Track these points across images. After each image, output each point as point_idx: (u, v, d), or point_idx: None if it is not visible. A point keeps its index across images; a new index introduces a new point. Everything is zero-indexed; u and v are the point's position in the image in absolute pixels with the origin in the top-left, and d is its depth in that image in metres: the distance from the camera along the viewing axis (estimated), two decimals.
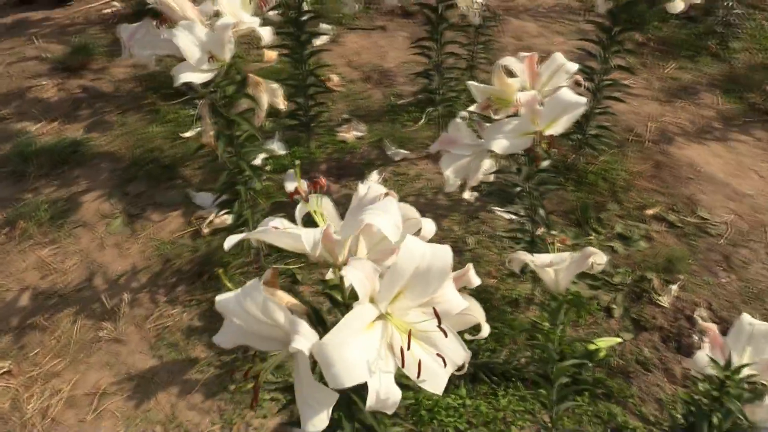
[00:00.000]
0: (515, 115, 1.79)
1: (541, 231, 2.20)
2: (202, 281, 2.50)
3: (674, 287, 2.55)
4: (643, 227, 2.79)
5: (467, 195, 2.14)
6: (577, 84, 1.98)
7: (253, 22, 1.82)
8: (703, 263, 2.66)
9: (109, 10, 4.23)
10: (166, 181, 2.94)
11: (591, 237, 2.75)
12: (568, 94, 1.76)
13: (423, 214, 2.80)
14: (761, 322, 1.62)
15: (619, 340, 2.33)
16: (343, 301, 1.07)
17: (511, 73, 1.99)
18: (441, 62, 2.75)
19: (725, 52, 3.95)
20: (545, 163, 2.00)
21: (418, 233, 1.19)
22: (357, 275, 0.93)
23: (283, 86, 2.08)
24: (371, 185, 1.16)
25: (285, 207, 2.65)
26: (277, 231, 1.07)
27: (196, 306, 2.41)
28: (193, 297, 2.45)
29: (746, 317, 1.66)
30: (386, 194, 1.13)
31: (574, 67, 1.92)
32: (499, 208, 2.82)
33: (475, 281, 1.19)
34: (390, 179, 2.99)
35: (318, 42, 3.11)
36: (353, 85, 3.60)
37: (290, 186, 3.09)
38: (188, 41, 1.73)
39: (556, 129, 1.81)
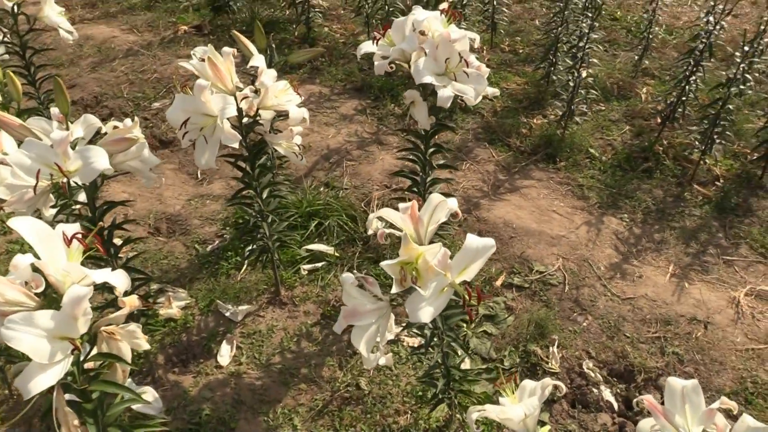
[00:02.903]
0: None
1: (464, 364, 2.12)
2: None
3: (554, 349, 2.67)
4: (500, 300, 2.88)
5: (384, 360, 1.95)
6: (454, 216, 1.94)
7: (102, 274, 1.41)
8: (562, 314, 2.83)
9: None
10: None
11: (463, 328, 2.75)
12: (475, 240, 1.69)
13: (298, 371, 2.53)
14: (687, 381, 1.73)
15: (548, 427, 2.35)
16: None
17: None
18: (264, 209, 2.50)
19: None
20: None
21: None
22: None
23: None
24: None
25: None
26: None
27: None
28: None
29: (673, 380, 1.75)
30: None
31: (453, 202, 1.86)
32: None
33: None
34: (243, 345, 2.64)
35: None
36: (145, 244, 3.13)
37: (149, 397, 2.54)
38: (32, 339, 1.27)
39: (469, 275, 1.73)
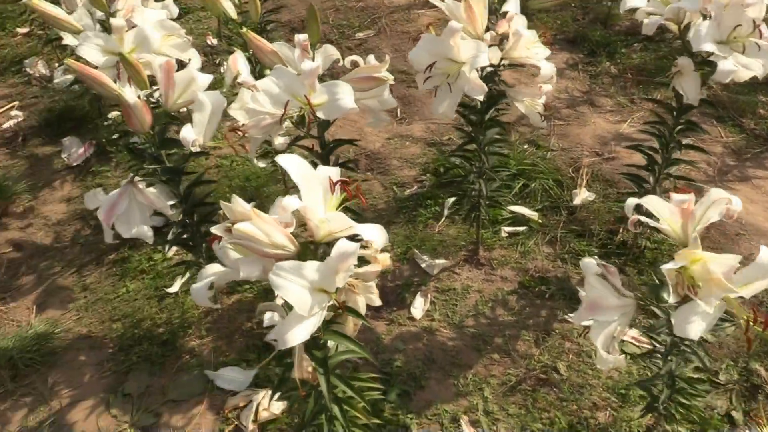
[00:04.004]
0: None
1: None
2: None
3: None
4: None
5: (616, 362, 1.76)
6: (729, 218, 1.66)
7: (364, 228, 1.33)
8: None
9: (9, 124, 3.42)
10: (171, 362, 2.33)
11: None
12: None
13: (491, 340, 2.40)
14: None
15: None
16: None
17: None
18: (486, 165, 2.34)
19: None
20: None
21: None
22: None
23: None
24: None
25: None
26: None
27: None
28: None
29: None
30: None
31: (737, 204, 1.59)
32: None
33: None
34: (437, 301, 2.55)
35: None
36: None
37: None
38: (298, 290, 1.22)
39: (748, 291, 1.48)
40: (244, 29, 1.86)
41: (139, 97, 1.78)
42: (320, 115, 1.82)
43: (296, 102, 1.81)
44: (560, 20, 4.32)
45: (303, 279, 1.23)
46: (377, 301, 1.61)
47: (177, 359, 2.34)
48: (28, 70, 3.80)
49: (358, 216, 2.19)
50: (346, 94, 1.79)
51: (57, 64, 3.64)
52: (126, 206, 1.89)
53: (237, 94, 2.07)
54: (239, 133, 1.87)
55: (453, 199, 2.82)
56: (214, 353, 2.36)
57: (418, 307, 2.52)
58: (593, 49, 4.01)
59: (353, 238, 1.37)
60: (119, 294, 2.57)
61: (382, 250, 2.72)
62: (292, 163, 1.34)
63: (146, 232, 1.90)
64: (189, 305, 2.51)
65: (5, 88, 3.74)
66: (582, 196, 2.96)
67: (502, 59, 2.11)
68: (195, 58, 2.38)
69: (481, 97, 1.95)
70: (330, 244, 1.39)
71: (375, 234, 1.34)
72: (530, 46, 2.07)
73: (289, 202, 1.28)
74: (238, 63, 2.35)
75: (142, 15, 2.30)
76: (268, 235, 1.27)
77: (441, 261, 2.68)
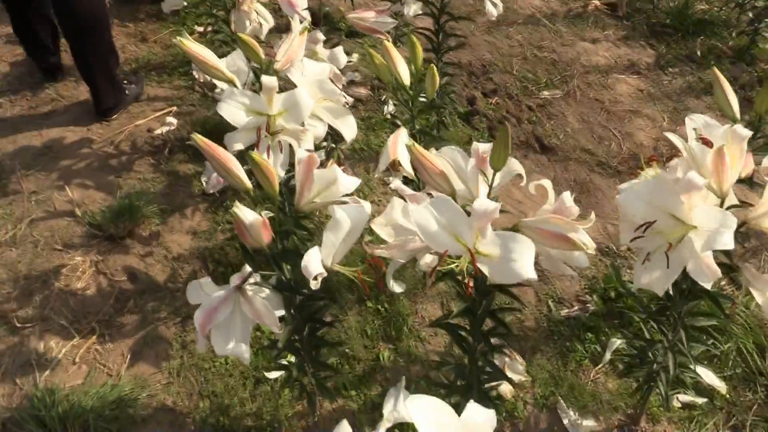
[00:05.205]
0: None
1: None
2: None
3: None
4: None
5: None
6: None
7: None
8: None
9: (161, 130, 3.31)
10: None
11: None
12: None
13: None
14: None
15: None
16: None
17: None
18: (682, 340, 1.79)
19: None
20: None
21: None
22: None
23: None
24: None
25: None
26: None
27: None
28: None
29: None
30: None
31: None
32: None
33: None
34: None
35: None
36: None
37: None
38: None
39: None
40: (411, 142, 1.45)
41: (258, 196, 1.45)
42: (485, 270, 1.38)
43: (457, 245, 1.39)
44: None
45: None
46: None
47: None
48: (194, 73, 3.69)
49: None
50: (524, 257, 1.33)
51: None
52: (228, 314, 1.58)
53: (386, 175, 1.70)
54: (378, 267, 1.48)
55: (620, 341, 2.29)
56: None
57: None
58: None
59: None
60: (216, 364, 2.30)
61: (518, 384, 2.23)
62: (421, 407, 0.93)
63: (243, 353, 1.57)
64: (285, 399, 2.19)
65: (169, 90, 3.65)
66: None
67: (743, 224, 1.55)
68: (350, 129, 2.03)
69: (707, 285, 1.41)
70: None
71: None
72: None
73: None
74: (398, 147, 1.97)
75: (300, 70, 1.99)
76: None
77: (590, 422, 2.15)
